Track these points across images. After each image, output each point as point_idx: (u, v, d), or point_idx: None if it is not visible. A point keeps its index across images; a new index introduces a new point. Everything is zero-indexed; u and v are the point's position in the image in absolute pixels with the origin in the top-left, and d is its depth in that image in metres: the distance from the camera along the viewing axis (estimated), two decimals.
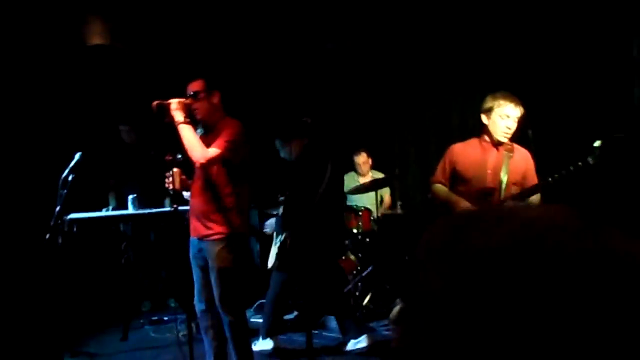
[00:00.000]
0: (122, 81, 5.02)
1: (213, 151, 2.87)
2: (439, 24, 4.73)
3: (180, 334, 4.18)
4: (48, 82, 4.66)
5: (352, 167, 5.29)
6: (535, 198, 2.95)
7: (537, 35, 4.28)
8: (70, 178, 3.66)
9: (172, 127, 2.94)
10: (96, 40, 5.09)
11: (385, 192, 5.32)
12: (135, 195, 4.34)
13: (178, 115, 2.89)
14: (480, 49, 4.56)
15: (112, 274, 4.80)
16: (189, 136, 2.87)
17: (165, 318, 4.71)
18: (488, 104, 2.97)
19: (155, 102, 2.90)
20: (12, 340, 3.94)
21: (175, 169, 3.06)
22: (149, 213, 4.34)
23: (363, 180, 5.09)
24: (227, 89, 3.25)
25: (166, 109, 2.92)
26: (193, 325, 3.69)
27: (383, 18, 4.88)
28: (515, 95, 2.97)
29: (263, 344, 3.85)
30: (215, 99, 3.04)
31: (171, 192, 3.18)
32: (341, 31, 4.99)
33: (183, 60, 5.13)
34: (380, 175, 5.26)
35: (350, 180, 5.10)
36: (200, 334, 4.15)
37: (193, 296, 3.23)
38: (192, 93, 2.99)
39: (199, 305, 3.19)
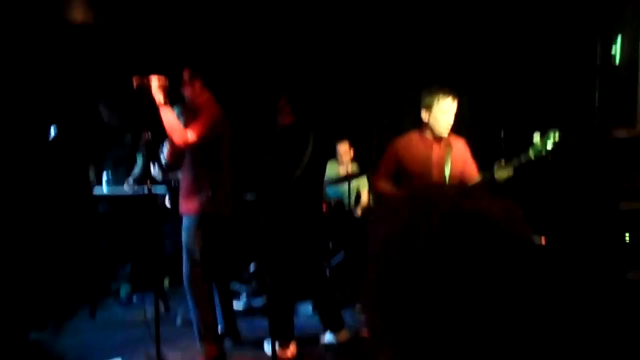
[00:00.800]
0: (104, 59, 4.99)
1: (191, 135, 3.09)
2: (422, 20, 4.82)
3: (148, 313, 4.22)
4: (30, 59, 4.61)
5: (335, 155, 5.27)
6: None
7: (507, 37, 4.41)
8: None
9: (153, 106, 3.02)
10: (79, 17, 5.05)
11: (364, 188, 5.26)
12: (109, 172, 4.34)
13: (158, 96, 3.03)
14: (456, 49, 4.66)
15: (86, 252, 4.79)
16: (170, 118, 3.07)
17: (135, 298, 4.73)
18: (427, 100, 3.03)
19: (135, 79, 2.93)
20: None
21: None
22: (122, 195, 4.34)
23: (342, 170, 5.13)
24: (209, 69, 3.32)
25: (146, 88, 2.97)
26: (162, 304, 3.74)
27: (370, 12, 4.95)
28: (451, 88, 3.05)
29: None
30: (197, 85, 3.29)
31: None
32: (326, 24, 5.04)
33: (165, 39, 5.14)
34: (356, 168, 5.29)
35: (331, 168, 5.11)
36: (170, 314, 4.22)
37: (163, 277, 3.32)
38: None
39: None
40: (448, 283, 0.61)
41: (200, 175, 3.21)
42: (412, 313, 0.63)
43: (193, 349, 3.43)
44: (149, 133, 3.15)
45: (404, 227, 0.65)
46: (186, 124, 3.17)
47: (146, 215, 3.90)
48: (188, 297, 3.32)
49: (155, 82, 3.01)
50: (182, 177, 3.33)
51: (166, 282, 4.97)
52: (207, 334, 3.30)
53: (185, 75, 3.31)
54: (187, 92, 3.32)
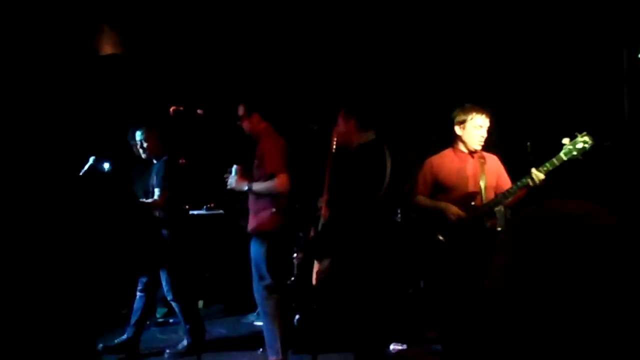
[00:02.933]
0: (136, 90, 5.16)
1: (281, 178, 3.44)
2: (445, 35, 4.85)
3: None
4: (61, 91, 4.79)
5: None
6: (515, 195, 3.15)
7: (530, 47, 4.42)
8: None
9: (187, 133, 3.16)
10: (109, 49, 5.24)
11: None
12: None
13: (243, 186, 3.50)
14: (481, 60, 4.69)
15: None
16: (262, 189, 3.48)
17: (171, 320, 4.81)
18: (461, 116, 3.20)
19: (172, 108, 3.06)
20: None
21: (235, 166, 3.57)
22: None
23: None
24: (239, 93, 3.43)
25: (182, 116, 3.11)
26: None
27: (391, 32, 5.02)
28: (482, 105, 3.20)
29: None
30: (255, 117, 3.61)
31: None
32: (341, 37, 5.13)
33: (194, 69, 5.30)
34: None
35: None
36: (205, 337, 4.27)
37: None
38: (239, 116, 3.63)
39: None
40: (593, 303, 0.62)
41: (265, 195, 3.50)
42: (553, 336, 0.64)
43: None
44: (184, 160, 3.27)
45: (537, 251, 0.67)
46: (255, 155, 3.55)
47: (185, 237, 4.02)
48: (260, 310, 3.61)
49: (236, 172, 3.47)
50: (250, 198, 3.61)
51: (200, 304, 5.06)
52: (275, 345, 3.48)
53: (242, 110, 3.60)
54: (245, 125, 3.61)
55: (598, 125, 3.09)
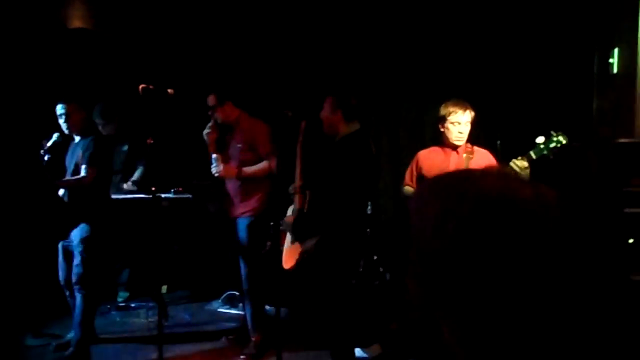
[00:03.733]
0: (103, 65, 5.00)
1: (274, 159, 3.59)
2: (427, 33, 4.86)
3: (149, 319, 4.22)
4: (29, 64, 4.60)
5: None
6: None
7: (506, 50, 4.47)
8: (46, 158, 3.68)
9: (155, 113, 3.06)
10: (77, 23, 5.06)
11: None
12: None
13: (233, 173, 3.59)
14: (454, 59, 4.71)
15: None
16: (253, 172, 3.58)
17: (133, 305, 4.70)
18: (441, 112, 3.23)
19: (141, 87, 2.95)
20: None
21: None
22: (123, 198, 4.33)
23: None
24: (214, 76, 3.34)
25: (151, 95, 3.00)
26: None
27: (376, 27, 5.00)
28: (465, 101, 3.20)
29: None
30: (228, 106, 3.65)
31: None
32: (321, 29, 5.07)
33: (163, 45, 5.16)
34: None
35: None
36: (169, 322, 4.20)
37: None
38: (210, 106, 3.64)
39: None
40: (480, 267, 0.65)
41: (254, 179, 3.60)
42: (450, 295, 0.67)
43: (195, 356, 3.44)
44: (152, 140, 3.16)
45: (437, 215, 0.69)
46: (230, 142, 3.62)
47: (149, 220, 3.89)
48: (246, 293, 3.66)
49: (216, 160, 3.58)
50: (233, 183, 3.65)
51: (164, 289, 4.96)
52: (259, 324, 3.66)
53: (213, 100, 3.62)
54: (219, 114, 3.63)
55: (567, 125, 3.12)
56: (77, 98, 3.72)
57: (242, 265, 3.65)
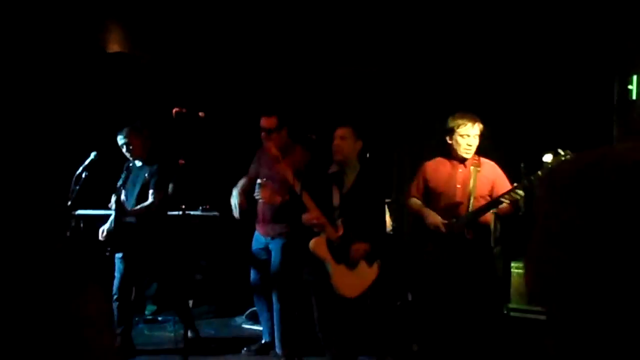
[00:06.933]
0: (140, 87, 5.23)
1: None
2: (441, 50, 4.92)
3: (176, 332, 4.34)
4: (68, 86, 4.85)
5: None
6: (504, 206, 3.17)
7: (526, 77, 4.50)
8: (83, 175, 3.88)
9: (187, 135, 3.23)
10: (116, 47, 5.32)
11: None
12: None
13: (277, 200, 3.69)
14: (476, 81, 4.75)
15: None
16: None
17: (160, 318, 4.85)
18: (449, 125, 3.24)
19: (175, 110, 3.13)
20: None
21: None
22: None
23: None
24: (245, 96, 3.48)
25: (183, 118, 3.18)
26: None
27: (388, 40, 5.10)
28: (474, 113, 3.23)
29: None
30: (285, 132, 3.75)
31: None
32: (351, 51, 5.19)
33: (198, 70, 5.37)
34: None
35: None
36: (196, 335, 4.31)
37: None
38: (266, 129, 3.71)
39: None
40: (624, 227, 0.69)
41: (289, 201, 3.67)
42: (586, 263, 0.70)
43: None
44: (183, 161, 3.33)
45: (576, 180, 0.74)
46: (272, 167, 3.63)
47: (178, 237, 4.06)
48: (279, 311, 3.79)
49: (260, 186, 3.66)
50: (270, 205, 3.74)
51: (190, 303, 5.09)
52: (287, 340, 3.77)
53: (274, 123, 3.68)
54: (274, 138, 3.66)
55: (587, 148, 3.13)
56: (134, 125, 4.00)
57: (274, 283, 3.79)
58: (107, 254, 3.94)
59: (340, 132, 3.33)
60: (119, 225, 3.88)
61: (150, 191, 3.90)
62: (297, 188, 3.34)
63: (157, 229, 3.96)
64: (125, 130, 3.92)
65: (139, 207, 3.92)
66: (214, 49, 5.35)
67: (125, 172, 4.03)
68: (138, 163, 4.02)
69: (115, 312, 3.93)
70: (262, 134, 3.70)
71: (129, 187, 3.98)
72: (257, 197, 3.72)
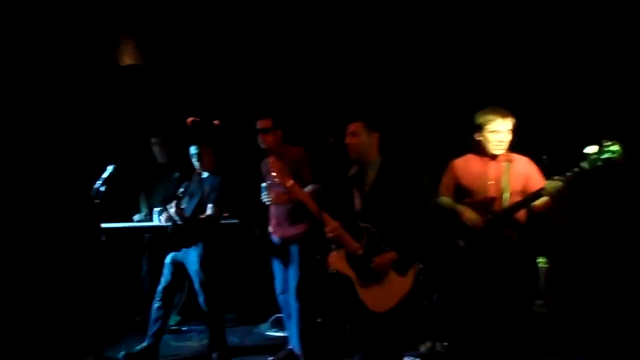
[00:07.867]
0: (154, 99, 5.25)
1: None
2: (468, 50, 4.85)
3: (200, 343, 4.34)
4: (83, 100, 4.90)
5: None
6: (541, 201, 3.01)
7: (555, 68, 4.39)
8: (102, 189, 3.88)
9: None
10: (128, 60, 5.35)
11: None
12: (161, 208, 4.51)
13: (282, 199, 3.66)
14: (502, 74, 4.65)
15: (134, 284, 4.96)
16: (303, 194, 3.33)
17: (184, 328, 4.84)
18: (478, 121, 3.13)
19: (190, 119, 3.12)
20: (40, 340, 4.11)
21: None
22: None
23: None
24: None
25: (199, 128, 3.17)
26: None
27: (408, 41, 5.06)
28: (504, 108, 3.11)
29: None
30: (279, 133, 3.79)
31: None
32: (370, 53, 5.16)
33: (211, 80, 5.37)
34: None
35: None
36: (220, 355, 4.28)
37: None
38: (261, 129, 3.75)
39: None
40: None
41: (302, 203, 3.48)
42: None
43: None
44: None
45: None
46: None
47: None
48: (298, 311, 3.80)
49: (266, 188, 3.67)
50: (283, 208, 3.78)
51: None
52: (307, 344, 3.81)
53: (268, 124, 3.73)
54: (268, 139, 3.75)
55: (617, 138, 2.98)
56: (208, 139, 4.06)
57: (292, 287, 3.78)
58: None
59: (350, 128, 3.11)
60: (176, 231, 4.02)
61: (210, 205, 4.00)
62: (314, 208, 3.10)
63: (211, 240, 4.06)
64: (197, 144, 4.03)
65: (200, 216, 4.03)
66: (223, 59, 5.36)
67: (187, 181, 4.15)
68: (205, 174, 4.12)
69: (154, 314, 4.02)
70: (259, 134, 3.80)
71: (189, 196, 4.12)
72: (265, 200, 3.72)
